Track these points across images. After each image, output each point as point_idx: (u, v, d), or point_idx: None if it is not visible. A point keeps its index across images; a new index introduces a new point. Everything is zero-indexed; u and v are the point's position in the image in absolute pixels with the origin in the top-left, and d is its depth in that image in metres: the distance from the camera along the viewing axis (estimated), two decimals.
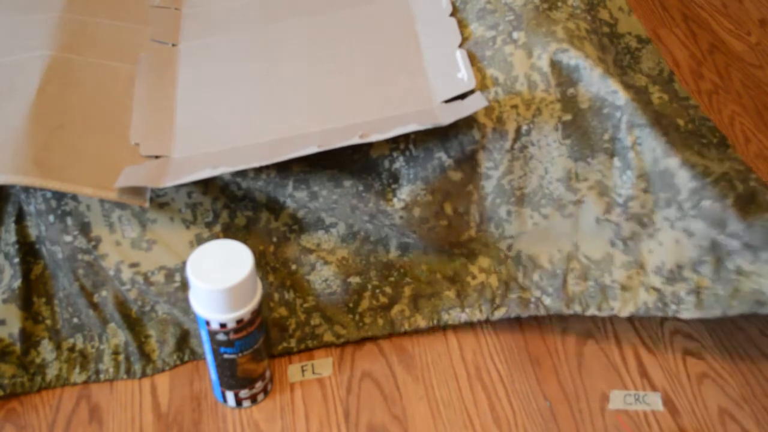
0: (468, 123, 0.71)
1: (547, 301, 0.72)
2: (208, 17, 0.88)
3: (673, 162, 0.67)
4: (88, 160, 0.71)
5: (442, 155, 0.71)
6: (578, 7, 0.75)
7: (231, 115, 0.76)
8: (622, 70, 0.75)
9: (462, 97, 0.71)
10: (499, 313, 0.73)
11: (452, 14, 0.78)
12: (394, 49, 0.79)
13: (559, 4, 0.74)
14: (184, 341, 0.72)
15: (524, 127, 0.69)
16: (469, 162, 0.71)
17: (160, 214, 0.72)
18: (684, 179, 0.67)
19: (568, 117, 0.69)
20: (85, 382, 0.71)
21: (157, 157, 0.73)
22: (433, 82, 0.74)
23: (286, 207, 0.74)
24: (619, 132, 0.69)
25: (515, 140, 0.70)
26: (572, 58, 0.69)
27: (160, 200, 0.72)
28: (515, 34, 0.71)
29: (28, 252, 0.73)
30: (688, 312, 0.69)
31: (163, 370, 0.72)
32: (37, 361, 0.71)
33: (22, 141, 0.70)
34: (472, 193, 0.71)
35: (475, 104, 0.67)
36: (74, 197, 0.71)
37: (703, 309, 0.68)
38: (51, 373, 0.71)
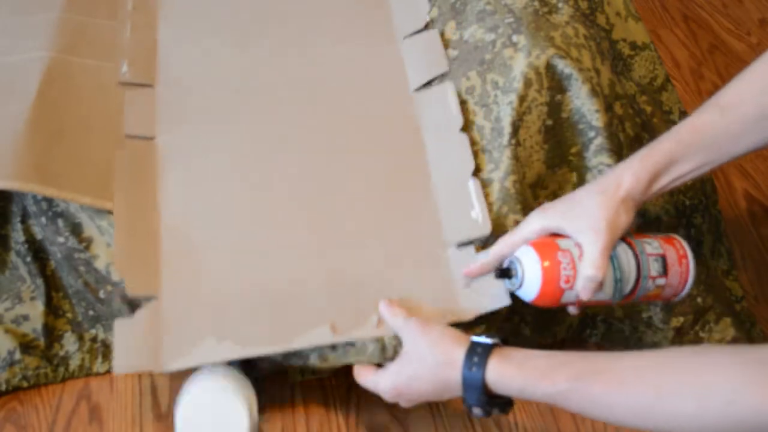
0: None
1: None
2: (185, 99, 0.80)
3: None
4: (86, 165, 0.71)
5: None
6: (579, 9, 0.75)
7: (220, 241, 0.70)
8: (616, 76, 0.75)
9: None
10: None
11: (460, 109, 0.73)
12: (402, 176, 0.74)
13: (560, 5, 0.74)
14: None
15: (516, 122, 0.69)
16: None
17: None
18: None
19: (550, 122, 0.70)
20: (108, 372, 0.72)
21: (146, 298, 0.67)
22: (445, 221, 0.70)
23: None
24: (587, 150, 0.70)
25: (512, 135, 0.69)
26: (567, 66, 0.69)
27: None
28: (515, 38, 0.71)
29: (39, 249, 0.74)
30: None
31: None
32: (61, 353, 0.72)
33: (21, 145, 0.70)
34: None
35: (498, 301, 0.65)
36: None
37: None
38: (74, 363, 0.72)
